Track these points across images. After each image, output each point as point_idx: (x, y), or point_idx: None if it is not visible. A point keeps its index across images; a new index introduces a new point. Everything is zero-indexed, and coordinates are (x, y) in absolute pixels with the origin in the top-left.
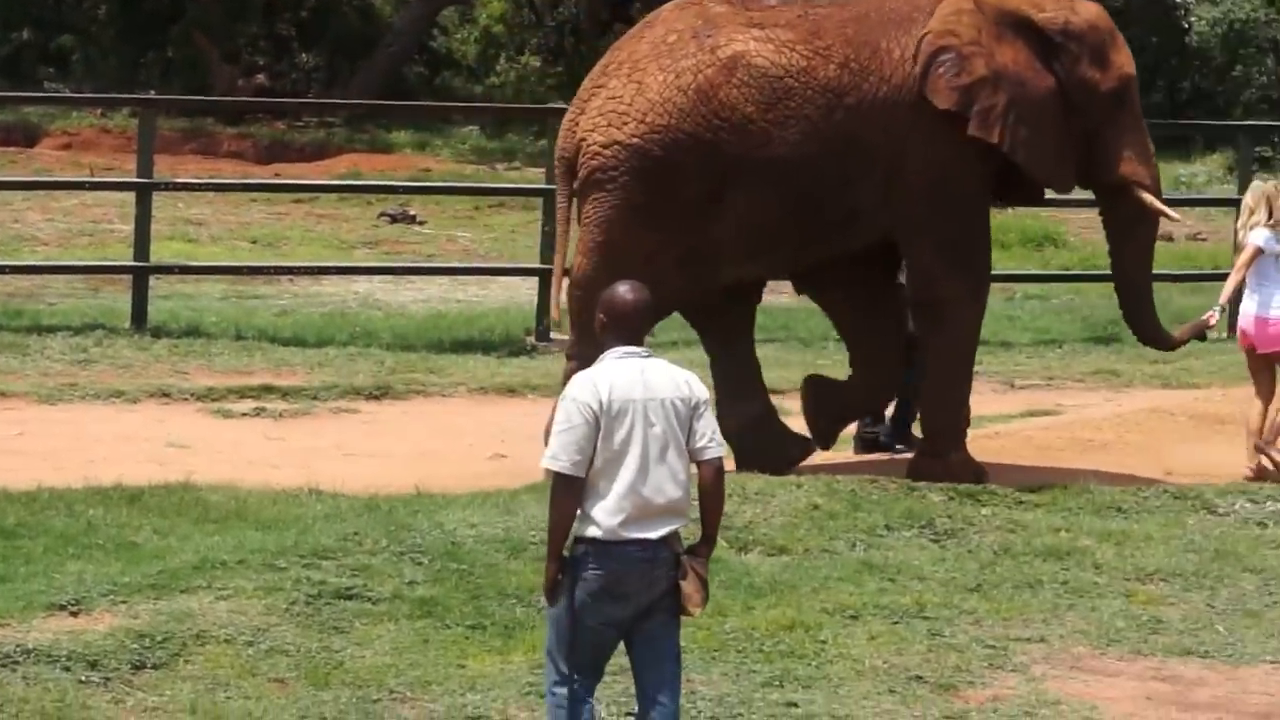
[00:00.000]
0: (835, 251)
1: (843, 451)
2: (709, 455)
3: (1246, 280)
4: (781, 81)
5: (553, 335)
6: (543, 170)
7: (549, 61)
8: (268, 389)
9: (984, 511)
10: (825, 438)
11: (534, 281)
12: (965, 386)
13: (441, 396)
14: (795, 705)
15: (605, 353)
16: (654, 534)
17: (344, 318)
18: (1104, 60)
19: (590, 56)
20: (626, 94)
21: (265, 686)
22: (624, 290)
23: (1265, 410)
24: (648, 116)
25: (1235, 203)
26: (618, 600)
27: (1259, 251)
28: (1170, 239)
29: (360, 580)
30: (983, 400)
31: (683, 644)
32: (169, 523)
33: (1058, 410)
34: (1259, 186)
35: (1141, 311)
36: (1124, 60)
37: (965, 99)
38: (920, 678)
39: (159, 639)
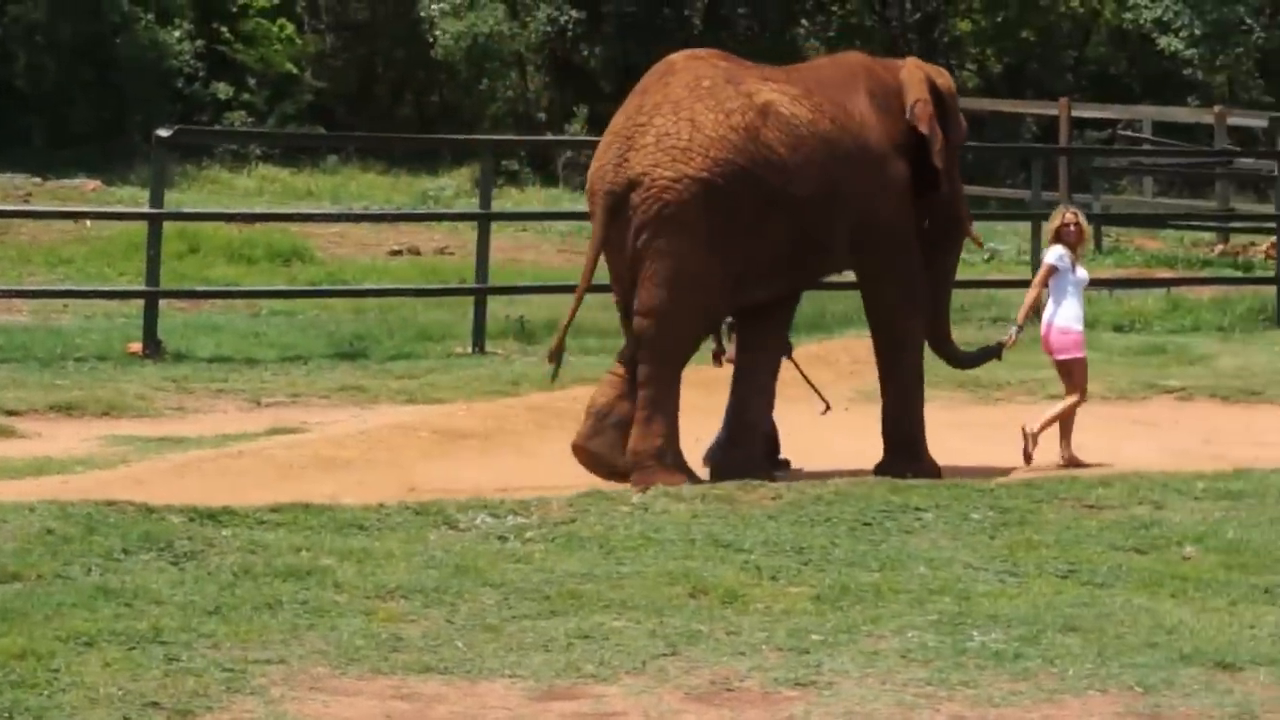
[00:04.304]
0: (810, 284)
1: None
2: None
3: (1048, 294)
4: (798, 130)
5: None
6: None
7: None
8: None
9: (225, 533)
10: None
11: None
12: (922, 397)
13: None
14: None
15: None
16: None
17: None
18: (958, 119)
19: None
20: (683, 131)
21: None
22: None
23: (1077, 403)
24: (710, 151)
25: (478, 216)
26: None
27: (1053, 269)
28: (418, 253)
29: None
30: (227, 419)
31: None
32: None
33: (304, 428)
34: (1059, 210)
35: (943, 332)
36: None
37: (943, 157)
38: (156, 704)
39: None
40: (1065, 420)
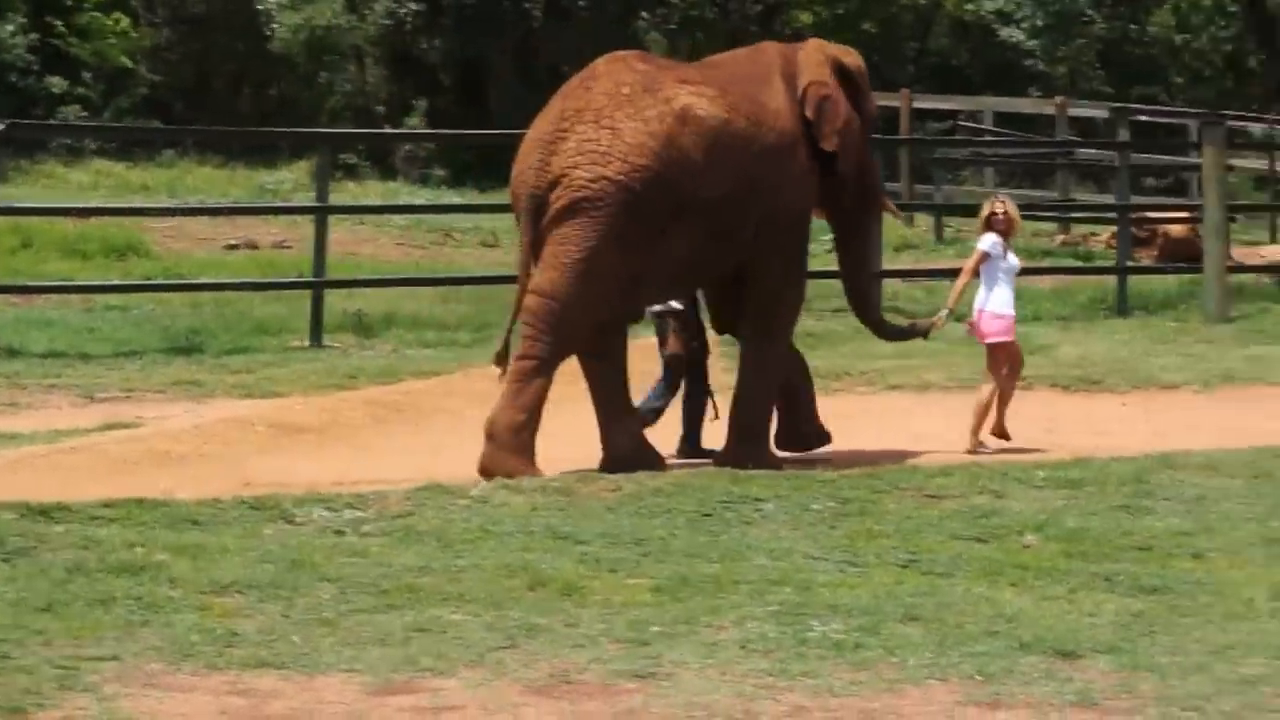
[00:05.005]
0: (717, 277)
1: None
2: None
3: (981, 279)
4: (715, 131)
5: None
6: None
7: None
8: None
9: (57, 529)
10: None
11: None
12: (777, 389)
13: None
14: None
15: None
16: None
17: None
18: (868, 95)
19: None
20: (603, 138)
21: None
22: None
23: (995, 391)
24: (629, 157)
25: (316, 210)
26: None
27: (985, 256)
28: (255, 247)
29: None
30: (60, 415)
31: None
32: None
33: (138, 423)
34: (989, 201)
35: (870, 302)
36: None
37: (839, 140)
38: None
39: None
40: (1004, 399)
